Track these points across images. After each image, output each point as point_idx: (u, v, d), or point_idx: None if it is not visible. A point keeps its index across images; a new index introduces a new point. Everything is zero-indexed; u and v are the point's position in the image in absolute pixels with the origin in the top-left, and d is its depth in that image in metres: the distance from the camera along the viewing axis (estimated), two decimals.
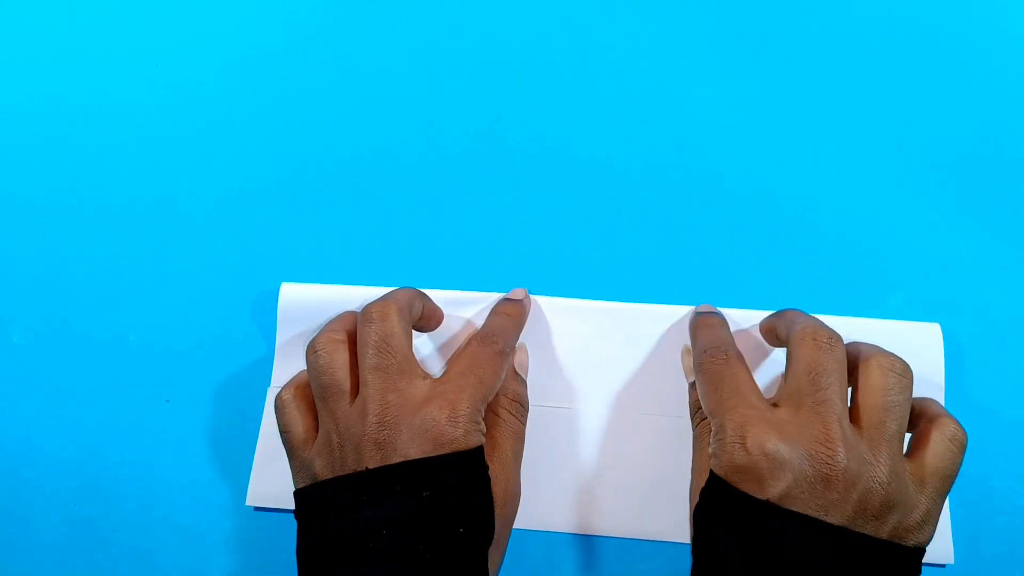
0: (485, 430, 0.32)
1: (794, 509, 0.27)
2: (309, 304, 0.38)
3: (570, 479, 0.36)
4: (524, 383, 0.36)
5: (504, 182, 0.40)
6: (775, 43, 0.41)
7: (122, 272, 0.39)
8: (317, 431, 0.32)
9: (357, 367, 0.32)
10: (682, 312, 0.37)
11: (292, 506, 0.32)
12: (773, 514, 0.28)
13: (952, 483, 0.30)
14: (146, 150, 0.41)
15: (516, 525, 0.34)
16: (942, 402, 0.35)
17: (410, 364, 0.32)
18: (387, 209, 0.40)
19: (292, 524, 0.32)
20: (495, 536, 0.31)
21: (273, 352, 0.38)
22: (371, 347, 0.31)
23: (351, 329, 0.33)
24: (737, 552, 0.28)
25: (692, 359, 0.34)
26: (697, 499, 0.30)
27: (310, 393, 0.33)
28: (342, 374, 0.32)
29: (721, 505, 0.29)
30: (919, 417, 0.31)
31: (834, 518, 0.27)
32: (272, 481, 0.36)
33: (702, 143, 0.40)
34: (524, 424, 0.35)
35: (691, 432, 0.34)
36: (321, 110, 0.41)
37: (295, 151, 0.40)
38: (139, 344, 0.39)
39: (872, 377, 0.29)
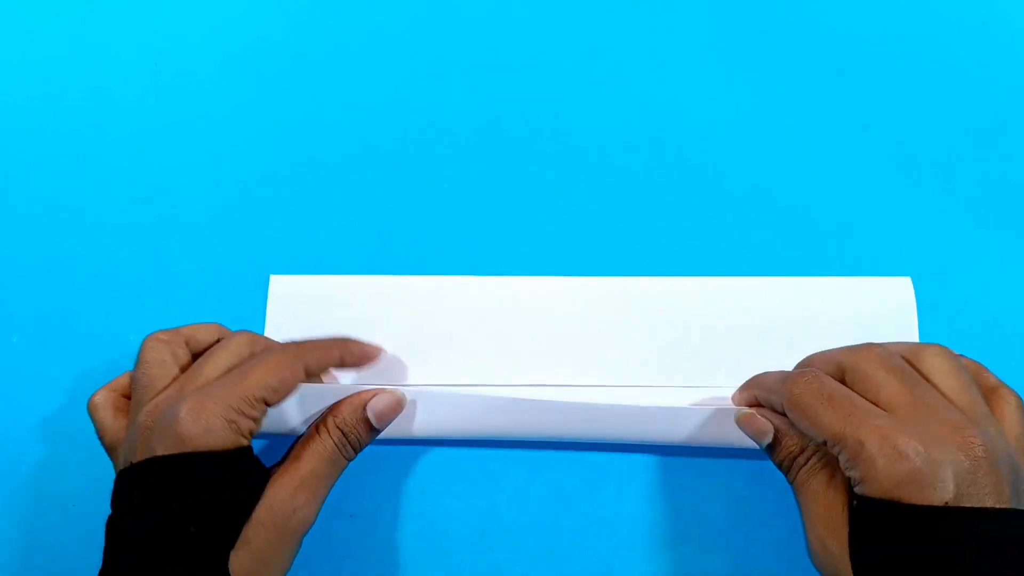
0: (252, 430, 0.31)
1: (969, 506, 0.26)
2: (299, 295, 0.39)
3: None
4: (367, 423, 0.33)
5: (494, 171, 0.41)
6: (763, 34, 0.44)
7: (122, 272, 0.40)
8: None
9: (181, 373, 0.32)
10: (672, 283, 0.39)
11: None
12: (955, 516, 0.26)
13: None
14: (144, 149, 0.42)
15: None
16: None
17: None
18: (378, 199, 0.41)
19: None
20: (259, 549, 0.29)
21: None
22: (207, 357, 0.32)
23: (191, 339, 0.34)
24: (918, 567, 0.26)
25: (772, 394, 0.31)
26: (845, 531, 0.28)
27: (124, 401, 0.33)
28: (158, 371, 0.32)
29: (886, 526, 0.26)
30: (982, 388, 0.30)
31: (1004, 503, 0.26)
32: None
33: (683, 126, 0.42)
34: (342, 453, 0.32)
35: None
36: (306, 104, 0.42)
37: (281, 145, 0.42)
38: (139, 344, 0.39)
39: (939, 366, 0.30)
